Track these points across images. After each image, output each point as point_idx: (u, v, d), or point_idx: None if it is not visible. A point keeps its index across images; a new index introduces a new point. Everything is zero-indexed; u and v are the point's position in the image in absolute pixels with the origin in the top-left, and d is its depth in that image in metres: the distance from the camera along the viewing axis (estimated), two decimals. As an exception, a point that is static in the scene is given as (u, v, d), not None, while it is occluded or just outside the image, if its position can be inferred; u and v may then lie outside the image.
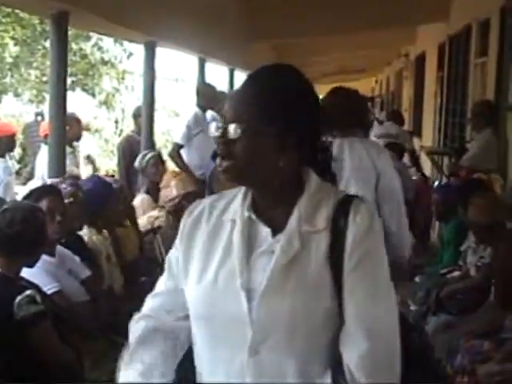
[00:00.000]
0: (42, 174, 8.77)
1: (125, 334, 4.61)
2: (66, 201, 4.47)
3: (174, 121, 22.87)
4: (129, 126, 14.36)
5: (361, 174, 4.59)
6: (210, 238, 2.05)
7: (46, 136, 8.82)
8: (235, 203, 2.05)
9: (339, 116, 4.60)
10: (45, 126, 9.10)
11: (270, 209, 2.01)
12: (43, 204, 4.09)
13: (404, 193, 4.78)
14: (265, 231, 1.99)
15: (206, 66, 10.65)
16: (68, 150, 8.48)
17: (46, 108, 17.57)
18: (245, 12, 11.83)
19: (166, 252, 6.09)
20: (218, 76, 13.40)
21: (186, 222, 2.12)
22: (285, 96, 1.97)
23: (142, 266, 5.76)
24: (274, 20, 12.20)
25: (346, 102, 4.84)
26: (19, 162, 14.67)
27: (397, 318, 1.94)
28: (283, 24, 12.46)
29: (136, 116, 8.93)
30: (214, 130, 1.98)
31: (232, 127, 1.94)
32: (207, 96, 8.87)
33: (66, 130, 8.29)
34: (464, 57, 10.84)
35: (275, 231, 1.98)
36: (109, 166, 18.71)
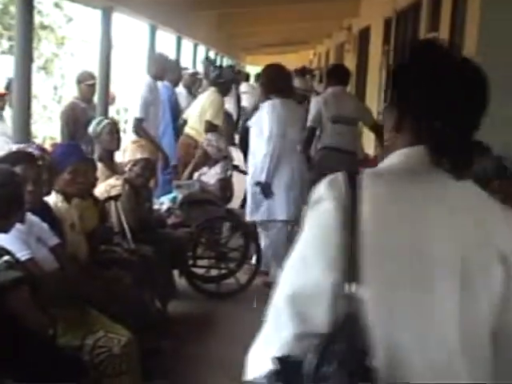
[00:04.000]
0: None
1: (91, 302, 4.63)
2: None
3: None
4: (69, 93, 14.15)
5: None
6: None
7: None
8: None
9: (272, 84, 7.34)
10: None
11: None
12: (17, 171, 4.02)
13: None
14: None
15: (156, 33, 10.59)
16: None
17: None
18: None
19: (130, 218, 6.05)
20: (164, 43, 13.32)
21: None
22: None
23: (101, 235, 5.72)
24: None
25: (276, 75, 7.47)
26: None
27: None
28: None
29: (80, 82, 8.80)
30: None
31: None
32: (160, 65, 8.85)
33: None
34: (413, 31, 10.95)
35: None
36: (46, 132, 18.44)
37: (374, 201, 1.78)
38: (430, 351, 1.72)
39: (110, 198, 6.11)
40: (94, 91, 8.60)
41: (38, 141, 17.36)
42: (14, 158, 4.21)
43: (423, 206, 1.81)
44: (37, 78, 20.00)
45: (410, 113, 1.88)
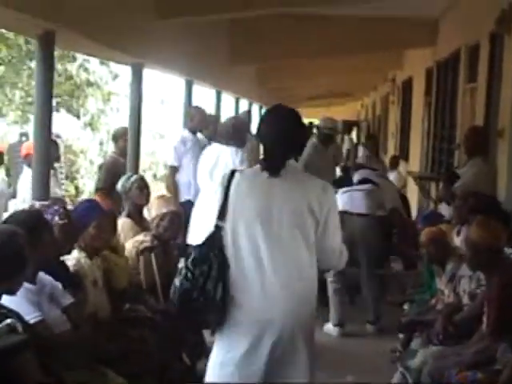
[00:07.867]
0: (24, 197, 8.67)
1: (107, 363, 4.51)
2: (60, 222, 4.46)
3: (159, 142, 22.88)
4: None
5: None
6: None
7: (26, 156, 8.75)
8: None
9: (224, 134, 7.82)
10: (26, 146, 9.02)
11: None
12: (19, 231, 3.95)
13: None
14: None
15: (193, 88, 10.57)
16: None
17: (30, 129, 17.51)
18: (228, 36, 11.84)
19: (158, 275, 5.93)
20: (205, 98, 13.34)
21: None
22: None
23: (130, 294, 5.65)
24: (255, 44, 12.21)
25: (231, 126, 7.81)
26: (2, 182, 14.50)
27: None
28: (265, 48, 12.49)
29: (116, 138, 8.84)
30: None
31: None
32: (197, 119, 8.86)
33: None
34: (453, 82, 10.82)
35: None
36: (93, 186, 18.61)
37: (237, 184, 3.74)
38: (256, 256, 3.69)
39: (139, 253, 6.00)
40: None
41: (85, 195, 17.53)
42: (19, 217, 4.14)
43: (260, 189, 3.75)
44: (83, 134, 20.30)
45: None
